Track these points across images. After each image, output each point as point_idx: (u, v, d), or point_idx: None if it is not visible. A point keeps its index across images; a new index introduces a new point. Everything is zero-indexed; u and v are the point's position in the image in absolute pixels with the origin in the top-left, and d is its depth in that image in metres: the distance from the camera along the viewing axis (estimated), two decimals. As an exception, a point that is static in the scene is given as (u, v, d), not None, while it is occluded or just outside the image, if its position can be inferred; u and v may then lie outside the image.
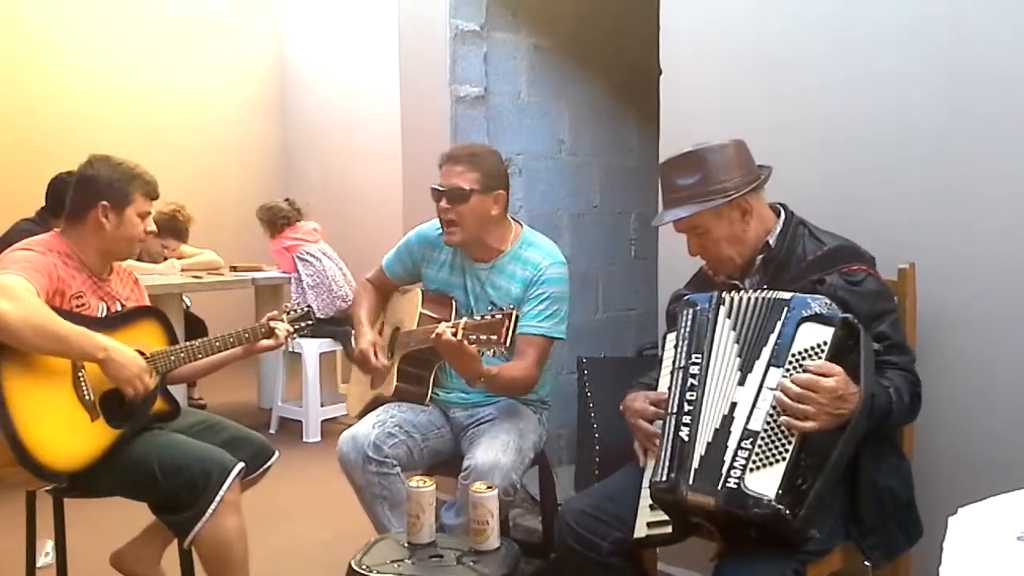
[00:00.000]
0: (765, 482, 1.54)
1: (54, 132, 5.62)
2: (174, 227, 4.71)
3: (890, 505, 1.74)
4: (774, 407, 1.58)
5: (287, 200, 4.92)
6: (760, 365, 1.63)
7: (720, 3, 2.34)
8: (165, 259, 4.75)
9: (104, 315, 2.22)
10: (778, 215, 1.89)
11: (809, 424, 1.55)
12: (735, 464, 1.57)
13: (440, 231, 2.47)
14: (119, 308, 2.29)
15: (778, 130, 2.20)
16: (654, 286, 2.55)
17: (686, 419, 1.67)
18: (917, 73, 2.00)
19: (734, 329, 1.70)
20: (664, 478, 1.65)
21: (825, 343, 1.59)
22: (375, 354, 2.49)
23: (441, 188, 2.37)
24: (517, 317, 2.08)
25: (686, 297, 1.83)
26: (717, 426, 1.64)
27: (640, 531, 1.76)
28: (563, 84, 3.54)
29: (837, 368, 1.57)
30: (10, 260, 2.07)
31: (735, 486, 1.56)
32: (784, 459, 1.55)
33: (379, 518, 2.31)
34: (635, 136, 3.80)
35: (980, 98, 1.92)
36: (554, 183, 3.51)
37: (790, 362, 1.60)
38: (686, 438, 1.66)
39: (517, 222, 2.54)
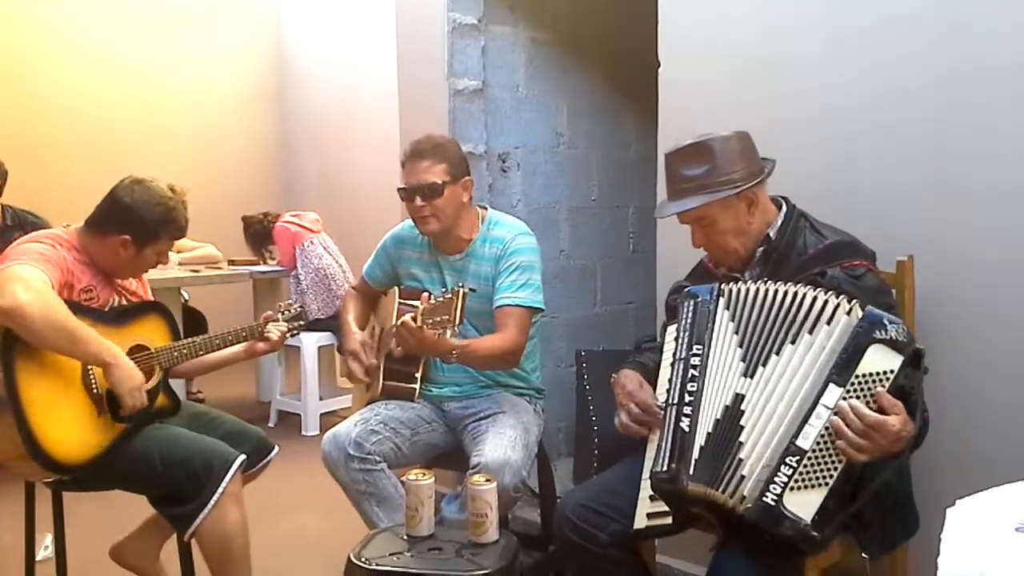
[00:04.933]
0: (804, 504, 1.50)
1: (53, 122, 5.62)
2: None
3: (888, 498, 1.73)
4: (827, 428, 1.52)
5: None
6: (816, 376, 1.55)
7: (719, -4, 2.34)
8: None
9: (110, 309, 2.22)
10: (779, 208, 1.89)
11: (863, 456, 1.51)
12: (775, 479, 1.52)
13: (412, 228, 2.48)
14: (126, 300, 2.29)
15: (777, 122, 2.19)
16: (652, 280, 2.55)
17: (687, 410, 1.67)
18: (916, 65, 2.00)
19: (734, 320, 1.70)
20: (665, 468, 1.65)
21: (892, 372, 1.52)
22: (365, 354, 2.47)
23: (412, 186, 2.33)
24: (465, 295, 2.06)
25: (687, 289, 1.83)
26: (718, 416, 1.64)
27: (640, 522, 1.76)
28: (561, 77, 3.53)
29: (900, 406, 1.51)
30: (21, 251, 2.06)
31: (773, 503, 1.51)
32: (827, 484, 1.51)
33: (368, 514, 2.31)
34: (634, 130, 3.79)
35: (978, 90, 1.92)
36: (552, 177, 3.51)
37: (853, 384, 1.53)
38: (687, 429, 1.66)
39: (482, 206, 2.52)
